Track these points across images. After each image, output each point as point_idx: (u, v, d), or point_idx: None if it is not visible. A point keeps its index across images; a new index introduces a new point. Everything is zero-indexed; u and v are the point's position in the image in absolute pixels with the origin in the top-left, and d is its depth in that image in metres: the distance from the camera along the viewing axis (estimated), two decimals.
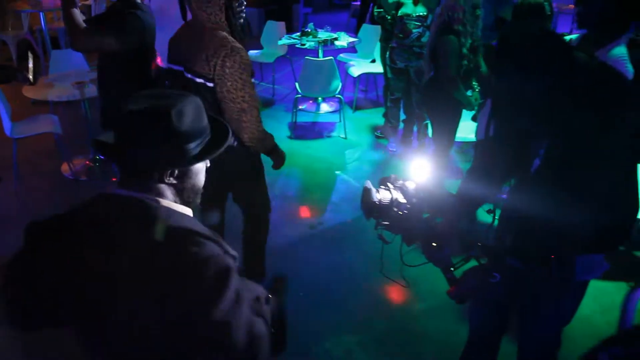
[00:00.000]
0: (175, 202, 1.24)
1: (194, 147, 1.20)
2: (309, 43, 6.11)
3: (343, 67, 6.34)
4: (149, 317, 1.09)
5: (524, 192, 1.82)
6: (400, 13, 4.66)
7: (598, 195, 1.57)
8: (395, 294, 3.23)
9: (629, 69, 2.88)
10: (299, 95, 5.59)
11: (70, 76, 4.57)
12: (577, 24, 2.85)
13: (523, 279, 1.89)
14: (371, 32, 6.51)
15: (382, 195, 1.66)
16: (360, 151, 5.23)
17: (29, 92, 4.33)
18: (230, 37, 2.33)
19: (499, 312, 2.19)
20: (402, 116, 5.23)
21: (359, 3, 9.46)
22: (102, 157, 4.46)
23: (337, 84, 5.52)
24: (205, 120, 1.26)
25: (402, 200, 1.68)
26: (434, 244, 1.66)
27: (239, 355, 1.13)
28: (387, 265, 1.76)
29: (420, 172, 1.73)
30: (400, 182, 1.72)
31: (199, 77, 2.33)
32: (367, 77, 6.73)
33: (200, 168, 1.30)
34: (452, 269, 1.67)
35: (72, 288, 1.12)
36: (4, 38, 7.40)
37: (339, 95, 5.64)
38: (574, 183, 1.58)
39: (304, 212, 4.12)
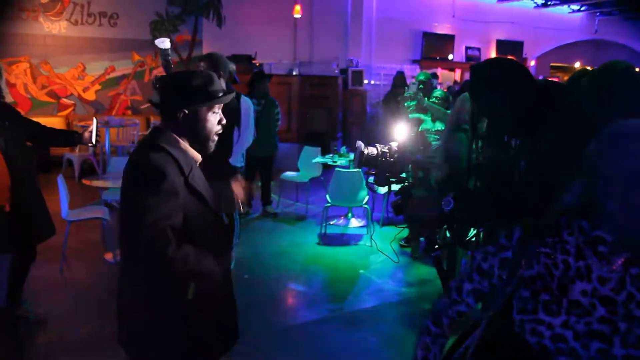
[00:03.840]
0: (189, 140, 1.80)
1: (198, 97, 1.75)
2: (340, 161, 6.67)
3: (372, 188, 6.78)
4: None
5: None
6: (421, 128, 5.21)
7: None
8: None
9: None
10: (329, 205, 5.99)
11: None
12: None
13: None
14: None
15: (370, 150, 2.12)
16: (384, 256, 5.45)
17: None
18: None
19: None
20: None
21: None
22: None
23: (364, 195, 5.92)
24: (217, 85, 1.78)
25: (385, 151, 2.12)
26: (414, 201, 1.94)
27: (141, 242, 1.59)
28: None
29: (402, 133, 2.20)
30: (387, 146, 2.13)
31: None
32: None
33: (204, 117, 1.78)
34: (436, 246, 1.87)
35: None
36: (70, 157, 8.37)
37: (365, 206, 6.01)
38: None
39: (326, 299, 4.27)
